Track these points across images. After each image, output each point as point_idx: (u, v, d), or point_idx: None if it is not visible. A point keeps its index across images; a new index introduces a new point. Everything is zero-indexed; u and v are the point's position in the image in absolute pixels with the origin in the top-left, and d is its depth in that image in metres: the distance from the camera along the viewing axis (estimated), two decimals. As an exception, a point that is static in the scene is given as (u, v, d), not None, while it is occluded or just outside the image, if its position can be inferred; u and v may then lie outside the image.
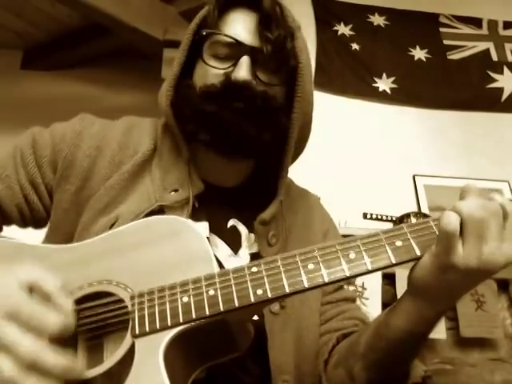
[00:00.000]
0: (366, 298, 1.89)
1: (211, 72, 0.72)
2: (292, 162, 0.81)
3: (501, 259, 0.53)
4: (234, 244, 0.75)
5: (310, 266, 0.55)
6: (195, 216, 0.72)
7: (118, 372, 0.53)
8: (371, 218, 2.16)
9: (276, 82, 0.74)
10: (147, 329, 0.54)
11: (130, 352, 0.53)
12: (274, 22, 0.72)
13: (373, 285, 1.92)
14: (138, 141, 0.79)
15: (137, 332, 0.54)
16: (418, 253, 0.55)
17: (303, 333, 0.74)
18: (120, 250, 0.62)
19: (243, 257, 0.75)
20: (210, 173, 0.78)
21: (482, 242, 0.53)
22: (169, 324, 0.54)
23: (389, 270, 1.93)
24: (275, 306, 0.71)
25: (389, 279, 1.92)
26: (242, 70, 0.70)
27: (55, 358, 0.47)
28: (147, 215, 0.69)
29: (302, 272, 0.55)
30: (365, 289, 1.92)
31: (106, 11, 1.83)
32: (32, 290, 0.51)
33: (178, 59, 0.75)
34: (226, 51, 0.72)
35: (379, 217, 2.17)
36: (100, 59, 2.55)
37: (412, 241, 0.56)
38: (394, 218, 2.12)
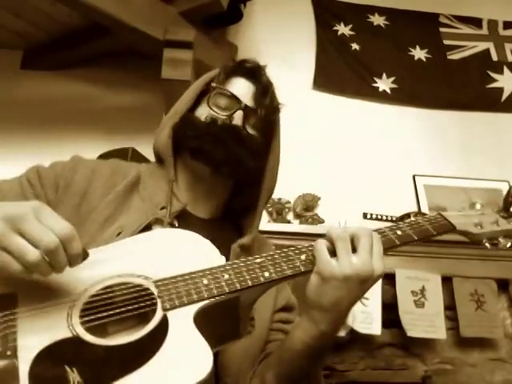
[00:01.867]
0: (366, 298, 1.88)
1: (213, 114, 0.92)
2: (263, 206, 1.00)
3: (369, 269, 0.69)
4: None
5: (303, 257, 0.73)
6: None
7: (149, 342, 0.59)
8: (371, 218, 2.17)
9: (257, 136, 0.94)
10: (177, 303, 0.63)
11: (161, 324, 0.60)
12: (268, 94, 0.95)
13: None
14: (125, 171, 0.94)
15: (168, 306, 0.62)
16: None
17: (253, 340, 0.83)
18: (135, 251, 0.71)
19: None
20: (189, 200, 0.93)
21: (351, 255, 0.69)
22: (195, 298, 0.63)
23: (389, 270, 1.93)
24: None
25: (389, 279, 1.92)
26: (238, 120, 0.91)
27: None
28: (145, 226, 0.83)
29: (296, 260, 0.72)
30: (365, 289, 1.92)
31: (106, 11, 1.83)
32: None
33: (188, 100, 0.97)
34: (226, 103, 0.93)
35: (379, 217, 2.17)
36: (100, 59, 2.54)
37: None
38: (394, 218, 2.13)
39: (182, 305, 0.63)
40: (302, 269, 0.72)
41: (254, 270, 0.69)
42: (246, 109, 0.92)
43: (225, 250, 0.84)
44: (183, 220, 0.89)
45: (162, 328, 0.60)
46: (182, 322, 0.61)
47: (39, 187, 0.85)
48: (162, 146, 0.95)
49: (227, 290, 0.65)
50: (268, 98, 0.95)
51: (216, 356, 0.72)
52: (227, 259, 0.85)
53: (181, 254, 0.71)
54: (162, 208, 0.87)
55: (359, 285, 0.69)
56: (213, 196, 0.96)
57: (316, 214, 2.15)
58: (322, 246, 0.72)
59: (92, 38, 2.43)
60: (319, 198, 2.20)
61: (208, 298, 0.64)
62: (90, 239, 0.80)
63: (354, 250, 0.70)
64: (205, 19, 2.08)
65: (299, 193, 2.18)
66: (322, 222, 2.13)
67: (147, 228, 0.82)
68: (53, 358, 0.56)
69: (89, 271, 0.65)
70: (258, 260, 0.71)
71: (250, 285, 0.67)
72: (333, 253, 0.71)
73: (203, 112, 0.93)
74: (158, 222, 0.85)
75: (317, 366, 0.82)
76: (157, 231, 0.80)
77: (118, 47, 2.45)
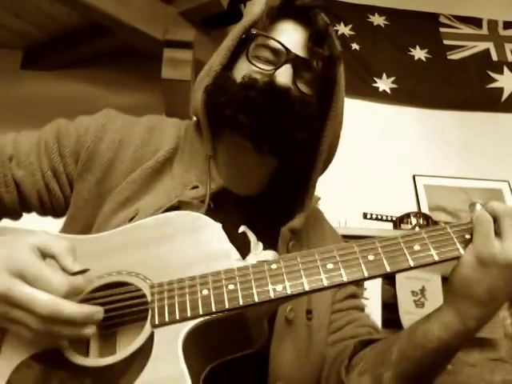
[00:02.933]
0: (366, 298, 1.88)
1: (254, 70, 0.74)
2: (317, 178, 0.84)
3: None
4: (243, 249, 0.75)
5: (329, 266, 0.57)
6: (209, 216, 0.73)
7: (135, 360, 0.53)
8: (371, 218, 2.16)
9: (311, 94, 0.76)
10: (167, 319, 0.55)
11: (148, 341, 0.54)
12: (327, 41, 0.76)
13: (373, 285, 1.92)
14: (160, 139, 0.80)
15: (156, 322, 0.55)
16: (436, 258, 0.56)
17: (310, 344, 0.73)
18: (140, 243, 0.63)
19: (250, 263, 0.75)
20: (229, 177, 0.79)
21: None
22: (188, 315, 0.55)
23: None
24: (290, 314, 0.71)
25: (389, 279, 1.92)
26: (286, 77, 0.72)
27: (75, 307, 0.51)
28: (166, 211, 0.70)
29: (321, 270, 0.56)
30: (365, 289, 1.92)
31: (106, 11, 1.82)
32: (42, 253, 0.53)
33: (226, 52, 0.76)
34: (270, 56, 0.74)
35: (379, 217, 2.17)
36: (100, 59, 2.54)
37: (430, 245, 0.57)
38: (393, 218, 2.12)
39: (173, 322, 0.55)
40: (366, 274, 0.55)
41: (266, 280, 0.56)
42: (296, 60, 0.73)
43: (270, 233, 0.75)
44: (219, 199, 0.75)
45: (148, 348, 0.53)
46: (168, 345, 0.53)
47: (57, 157, 0.76)
48: (196, 111, 0.79)
49: (227, 306, 0.55)
50: (325, 46, 0.75)
51: (261, 359, 0.67)
52: (273, 244, 0.75)
53: (188, 249, 0.61)
54: (194, 187, 0.74)
55: None
56: (257, 169, 0.80)
57: (316, 214, 2.15)
58: (489, 220, 0.56)
59: (92, 37, 2.43)
60: (319, 198, 2.20)
61: (203, 316, 0.55)
62: (103, 221, 0.73)
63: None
64: (205, 19, 2.08)
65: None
66: (322, 221, 2.13)
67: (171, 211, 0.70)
68: (32, 371, 0.53)
69: (85, 265, 0.59)
70: (274, 266, 0.58)
71: (257, 301, 0.55)
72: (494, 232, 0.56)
73: (242, 68, 0.75)
74: (185, 205, 0.71)
75: (443, 367, 0.65)
76: (174, 215, 0.66)
77: (118, 47, 2.44)
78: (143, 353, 0.53)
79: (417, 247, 0.57)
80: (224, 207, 0.76)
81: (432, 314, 0.62)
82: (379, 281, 1.92)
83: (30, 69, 2.59)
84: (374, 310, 1.82)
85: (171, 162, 0.78)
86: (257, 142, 0.72)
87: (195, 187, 0.74)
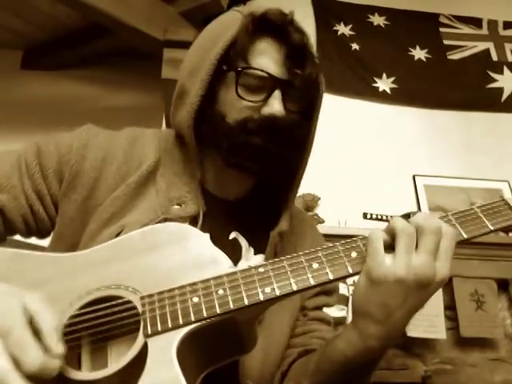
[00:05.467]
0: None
1: (244, 104, 0.73)
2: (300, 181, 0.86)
3: (431, 273, 0.55)
4: (234, 256, 0.76)
5: (315, 266, 0.58)
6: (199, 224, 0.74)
7: (130, 372, 0.53)
8: (371, 218, 2.16)
9: (298, 110, 0.77)
10: (159, 328, 0.55)
11: (142, 352, 0.54)
12: (304, 58, 0.75)
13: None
14: (142, 152, 0.80)
15: (149, 332, 0.55)
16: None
17: (272, 341, 0.75)
18: (127, 255, 0.62)
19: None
20: (215, 186, 0.81)
21: (411, 254, 0.55)
22: (181, 323, 0.55)
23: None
24: None
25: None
26: (277, 104, 0.72)
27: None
28: None
29: (307, 271, 0.58)
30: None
31: (106, 11, 1.83)
32: (30, 320, 0.51)
33: (202, 83, 0.74)
34: (257, 83, 0.73)
35: (379, 217, 2.17)
36: (100, 59, 2.55)
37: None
38: (394, 218, 2.12)
39: (166, 330, 0.55)
40: (351, 270, 0.58)
41: (254, 284, 0.57)
42: (283, 85, 0.73)
43: (259, 236, 0.77)
44: (208, 205, 0.76)
45: (142, 359, 0.53)
46: (162, 353, 0.53)
47: (40, 179, 0.75)
48: (180, 131, 0.79)
49: (218, 311, 0.55)
50: (305, 63, 0.75)
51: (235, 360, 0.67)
52: (262, 246, 0.77)
53: (176, 259, 0.62)
54: (178, 205, 0.75)
55: (416, 291, 0.56)
56: (244, 177, 0.81)
57: (316, 214, 2.15)
58: (378, 238, 0.58)
59: (92, 37, 2.44)
60: (319, 198, 2.20)
61: (195, 322, 0.55)
62: (89, 239, 0.72)
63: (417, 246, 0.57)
64: (205, 19, 2.08)
65: (299, 193, 2.18)
66: (322, 222, 2.13)
67: None
68: None
69: (73, 281, 0.60)
70: (261, 269, 0.59)
71: (247, 304, 0.56)
72: (389, 248, 0.57)
73: (229, 102, 0.74)
74: (173, 221, 0.72)
75: (361, 379, 0.67)
76: (160, 226, 0.67)
77: (118, 47, 2.45)
78: (137, 363, 0.53)
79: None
80: (211, 217, 0.76)
81: (342, 330, 0.64)
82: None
83: (30, 69, 2.59)
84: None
85: (154, 176, 0.78)
86: (256, 175, 0.77)
87: (179, 204, 0.75)
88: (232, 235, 0.78)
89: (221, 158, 0.76)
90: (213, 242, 0.72)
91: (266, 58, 0.74)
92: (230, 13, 0.81)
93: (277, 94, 0.73)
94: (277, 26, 0.75)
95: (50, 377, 0.49)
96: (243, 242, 0.78)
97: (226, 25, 0.77)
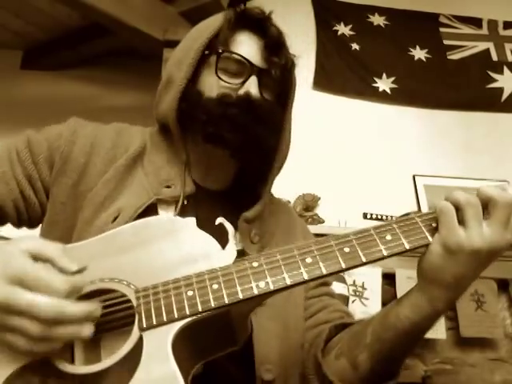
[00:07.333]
0: (366, 298, 1.89)
1: (223, 85, 0.80)
2: (277, 173, 0.90)
3: (505, 244, 0.59)
4: (222, 240, 0.77)
5: (308, 260, 0.59)
6: (184, 212, 0.78)
7: (125, 364, 0.54)
8: (371, 218, 2.17)
9: (273, 99, 0.83)
10: (154, 322, 0.55)
11: (137, 345, 0.54)
12: (280, 49, 0.83)
13: (373, 285, 1.92)
14: (128, 141, 0.85)
15: (144, 325, 0.55)
16: (407, 246, 0.60)
17: (289, 325, 0.78)
18: (120, 249, 0.63)
19: (230, 252, 0.77)
20: (199, 176, 0.85)
21: (482, 225, 0.59)
22: (176, 316, 0.55)
23: (389, 270, 1.93)
24: None
25: (389, 279, 1.92)
26: (253, 88, 0.78)
27: (76, 306, 0.51)
28: (146, 208, 0.74)
29: (300, 265, 0.59)
30: (365, 289, 1.92)
31: (106, 11, 1.83)
32: (35, 257, 0.53)
33: (189, 68, 0.81)
34: (236, 68, 0.80)
35: (379, 217, 2.18)
36: (100, 59, 2.55)
37: (401, 235, 0.61)
38: (393, 218, 2.12)
39: (161, 324, 0.55)
40: (344, 266, 0.59)
41: (248, 278, 0.58)
42: (259, 72, 0.80)
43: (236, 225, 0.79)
44: (193, 196, 0.81)
45: (138, 352, 0.54)
46: (158, 347, 0.54)
47: (31, 165, 0.77)
48: (164, 120, 0.84)
49: (213, 305, 0.56)
50: (281, 54, 0.82)
51: (247, 346, 0.69)
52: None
53: (169, 252, 0.62)
54: (168, 186, 0.79)
55: (487, 260, 0.60)
56: (227, 167, 0.87)
57: (316, 214, 2.15)
58: (451, 209, 0.60)
59: (92, 37, 2.44)
60: (319, 198, 2.20)
61: (190, 316, 0.56)
62: (84, 225, 0.73)
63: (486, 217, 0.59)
64: (205, 19, 2.08)
65: (299, 193, 2.18)
66: (322, 222, 2.13)
67: (149, 209, 0.75)
68: (22, 382, 0.53)
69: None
70: (255, 263, 0.60)
71: (241, 298, 0.57)
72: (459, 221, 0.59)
73: (210, 83, 0.80)
74: (163, 202, 0.77)
75: (413, 348, 0.70)
76: (151, 220, 0.68)
77: (118, 47, 2.45)
78: (133, 356, 0.54)
79: (388, 237, 0.61)
80: (197, 203, 0.80)
81: (403, 297, 0.66)
82: (379, 281, 1.92)
83: (30, 69, 2.59)
84: (374, 309, 1.82)
85: (142, 160, 0.82)
86: (235, 151, 0.79)
87: (168, 186, 0.79)
88: (218, 220, 0.78)
89: (201, 134, 0.79)
90: (198, 226, 0.73)
91: (246, 47, 0.81)
92: (216, 14, 0.89)
93: (253, 79, 0.79)
94: (256, 21, 0.83)
95: (81, 290, 0.54)
96: (229, 226, 0.78)
97: (211, 20, 0.86)
